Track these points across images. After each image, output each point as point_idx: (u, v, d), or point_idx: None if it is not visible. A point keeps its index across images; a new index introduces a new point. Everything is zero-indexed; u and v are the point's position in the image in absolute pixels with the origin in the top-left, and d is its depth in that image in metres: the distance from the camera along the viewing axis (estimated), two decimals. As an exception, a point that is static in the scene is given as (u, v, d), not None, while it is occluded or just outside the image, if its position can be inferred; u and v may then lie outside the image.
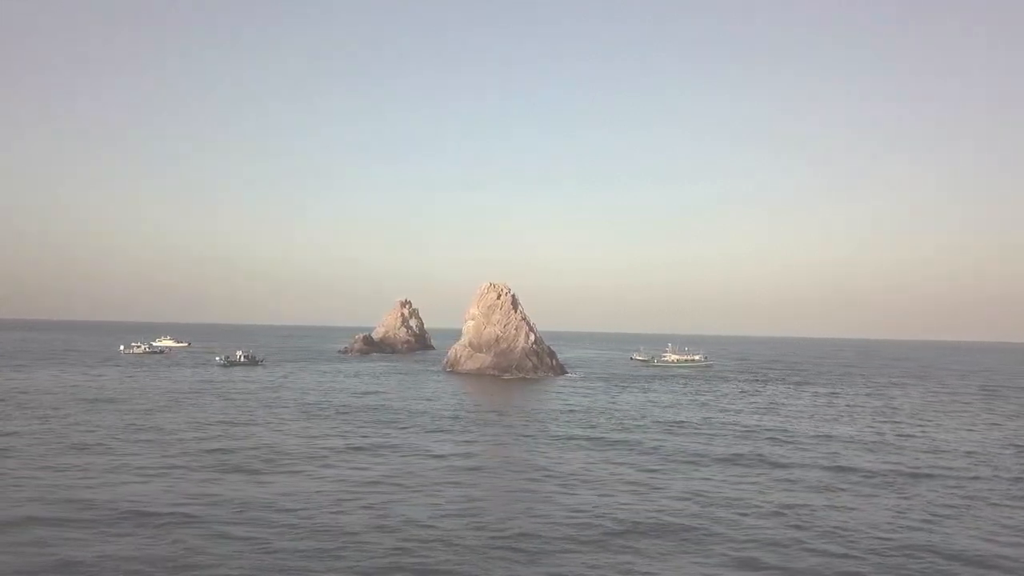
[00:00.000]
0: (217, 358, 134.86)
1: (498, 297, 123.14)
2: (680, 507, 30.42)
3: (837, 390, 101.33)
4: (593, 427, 55.20)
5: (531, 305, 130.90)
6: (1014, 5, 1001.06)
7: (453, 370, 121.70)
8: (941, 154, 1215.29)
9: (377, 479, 34.83)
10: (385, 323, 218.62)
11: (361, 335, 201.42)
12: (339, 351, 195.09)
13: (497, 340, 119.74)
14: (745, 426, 57.64)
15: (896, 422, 63.75)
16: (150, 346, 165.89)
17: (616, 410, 68.05)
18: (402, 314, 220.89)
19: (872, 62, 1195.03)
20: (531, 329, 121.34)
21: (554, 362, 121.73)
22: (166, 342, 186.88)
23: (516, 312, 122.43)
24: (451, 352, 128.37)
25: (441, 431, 51.79)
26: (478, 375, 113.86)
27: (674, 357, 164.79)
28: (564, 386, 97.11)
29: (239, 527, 26.36)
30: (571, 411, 66.35)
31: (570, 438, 49.18)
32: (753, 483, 35.74)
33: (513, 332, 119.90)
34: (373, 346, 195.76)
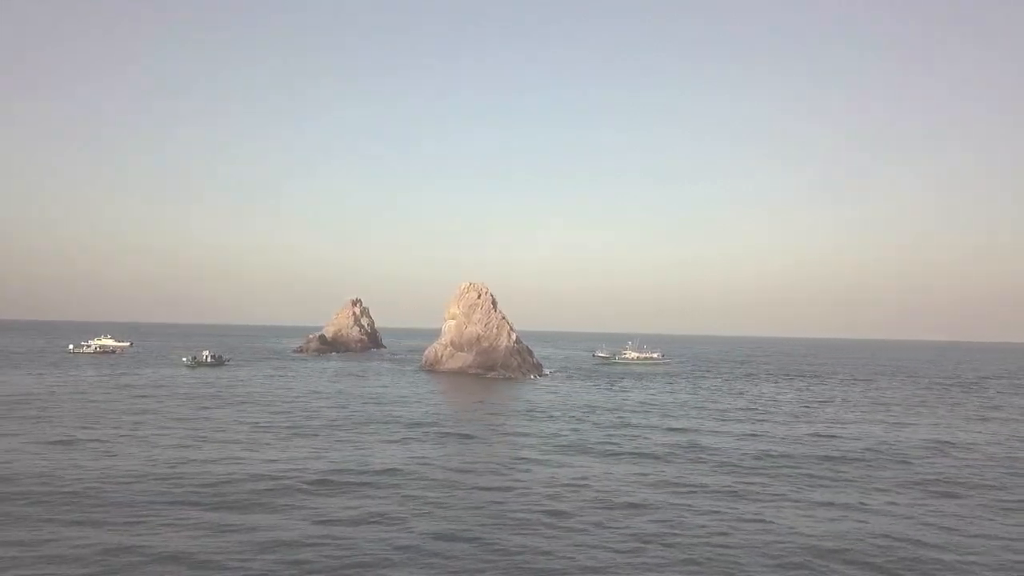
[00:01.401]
0: (184, 358, 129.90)
1: (478, 296, 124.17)
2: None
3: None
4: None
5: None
6: (1010, 10, 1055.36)
7: (433, 369, 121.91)
8: (941, 155, 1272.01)
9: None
10: (336, 322, 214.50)
11: (316, 335, 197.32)
12: (294, 351, 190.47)
13: (479, 339, 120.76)
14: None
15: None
16: (100, 346, 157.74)
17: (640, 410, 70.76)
18: (354, 313, 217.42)
19: (872, 63, 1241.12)
20: (511, 328, 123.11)
21: (534, 361, 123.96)
22: (106, 341, 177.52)
23: (496, 311, 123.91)
24: (430, 351, 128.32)
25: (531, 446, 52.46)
26: (460, 374, 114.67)
27: (634, 355, 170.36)
28: (554, 385, 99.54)
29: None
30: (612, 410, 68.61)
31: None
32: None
33: (495, 331, 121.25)
34: (327, 345, 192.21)
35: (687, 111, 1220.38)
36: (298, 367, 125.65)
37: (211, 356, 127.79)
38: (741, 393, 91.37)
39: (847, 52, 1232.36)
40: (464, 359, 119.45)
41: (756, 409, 72.09)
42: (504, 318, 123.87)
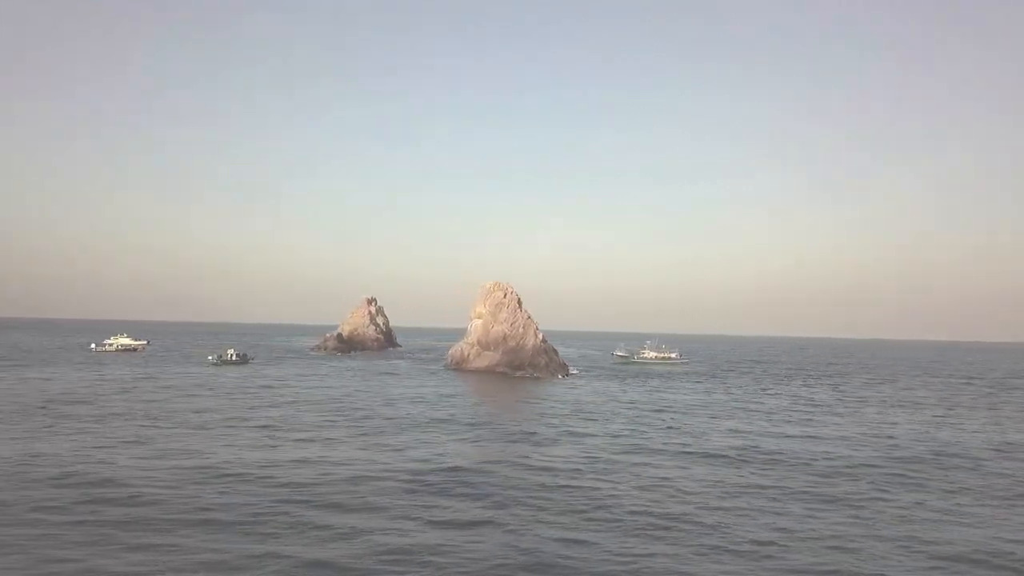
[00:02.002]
0: (209, 357, 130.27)
1: (504, 296, 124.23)
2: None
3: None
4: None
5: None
6: (1010, 10, 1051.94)
7: (460, 368, 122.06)
8: (941, 155, 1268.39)
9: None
10: (351, 321, 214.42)
11: (333, 334, 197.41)
12: (311, 349, 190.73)
13: (505, 338, 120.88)
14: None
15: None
16: (122, 345, 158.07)
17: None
18: (369, 312, 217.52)
19: (872, 63, 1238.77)
20: (537, 327, 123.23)
21: (559, 360, 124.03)
22: (125, 340, 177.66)
23: (522, 310, 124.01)
24: (456, 350, 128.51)
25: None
26: (488, 373, 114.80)
27: (652, 354, 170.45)
28: (585, 385, 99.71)
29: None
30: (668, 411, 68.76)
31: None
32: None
33: (521, 330, 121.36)
34: (344, 344, 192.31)
35: (687, 111, 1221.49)
36: (324, 366, 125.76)
37: (235, 355, 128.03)
38: (777, 393, 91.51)
39: (847, 52, 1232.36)
40: (491, 358, 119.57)
41: (799, 409, 72.23)
42: (530, 317, 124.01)
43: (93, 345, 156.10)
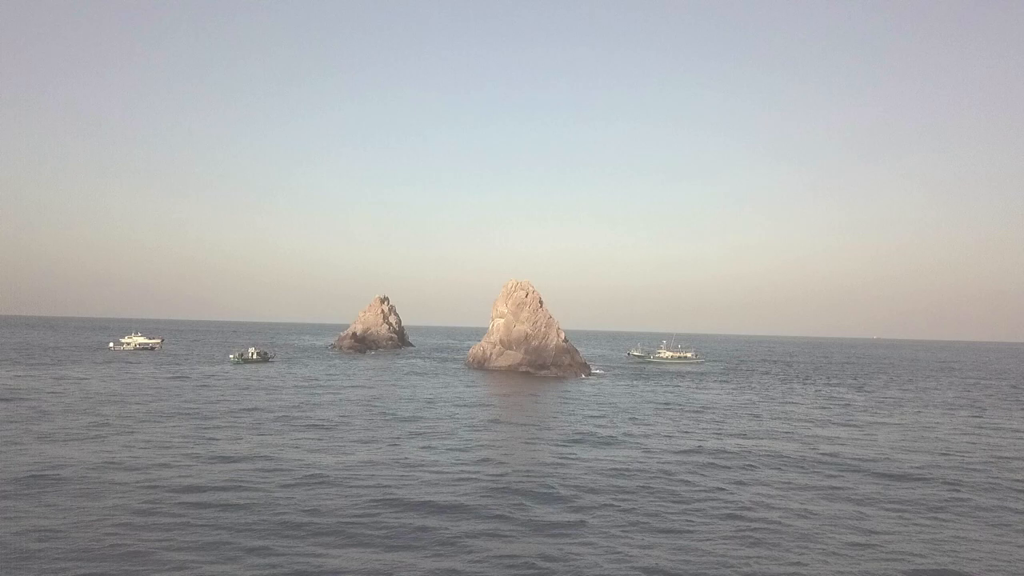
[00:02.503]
0: (230, 355, 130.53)
1: (526, 295, 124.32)
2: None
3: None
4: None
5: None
6: (1011, 10, 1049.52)
7: (482, 367, 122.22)
8: (941, 155, 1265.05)
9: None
10: (364, 320, 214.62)
11: (348, 332, 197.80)
12: (328, 347, 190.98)
13: (527, 337, 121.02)
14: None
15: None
16: (140, 344, 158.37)
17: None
18: (382, 311, 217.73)
19: (872, 63, 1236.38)
20: (559, 326, 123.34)
21: (580, 360, 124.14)
22: (140, 339, 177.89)
23: (543, 309, 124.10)
24: (477, 349, 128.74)
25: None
26: (511, 372, 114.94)
27: (668, 354, 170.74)
28: (612, 384, 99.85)
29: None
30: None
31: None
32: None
33: (543, 330, 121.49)
34: (360, 342, 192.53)
35: (687, 110, 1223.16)
36: (347, 365, 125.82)
37: (256, 353, 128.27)
38: (806, 394, 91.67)
39: (847, 52, 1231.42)
40: (513, 357, 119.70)
41: (835, 409, 72.40)
42: (551, 316, 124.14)
43: (112, 343, 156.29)
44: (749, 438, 51.71)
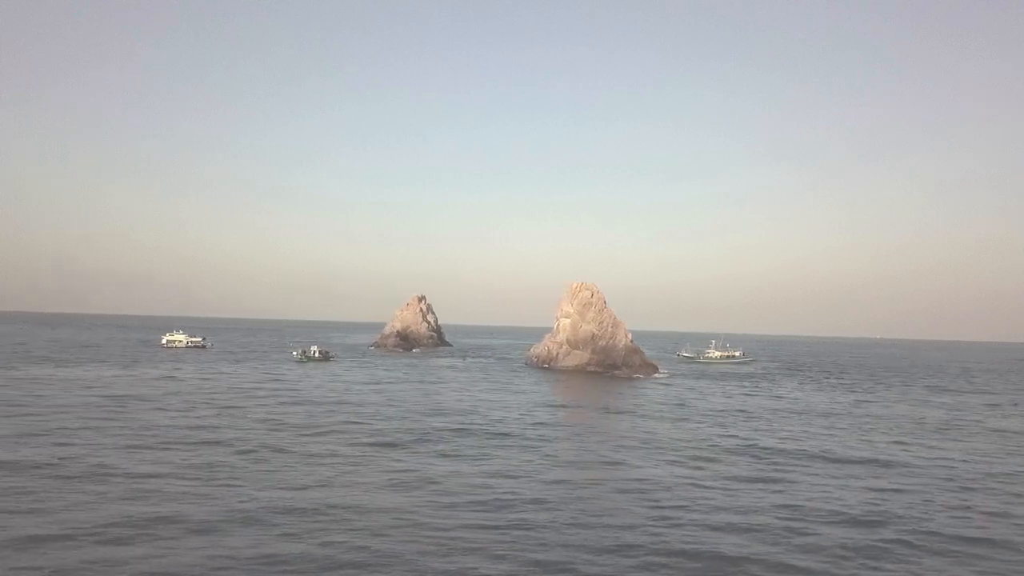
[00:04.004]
0: (294, 353, 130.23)
1: (591, 296, 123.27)
2: None
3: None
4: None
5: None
6: (1011, 10, 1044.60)
7: (549, 367, 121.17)
8: (941, 155, 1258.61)
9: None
10: (403, 318, 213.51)
11: (391, 331, 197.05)
12: (371, 346, 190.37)
13: (593, 337, 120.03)
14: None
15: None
16: (191, 342, 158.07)
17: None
18: (420, 309, 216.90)
19: (872, 63, 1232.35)
20: (626, 327, 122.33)
21: (647, 359, 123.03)
22: (179, 337, 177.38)
23: (608, 310, 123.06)
24: (542, 349, 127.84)
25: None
26: (579, 372, 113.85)
27: (717, 354, 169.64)
28: (688, 385, 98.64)
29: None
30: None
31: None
32: None
33: (610, 330, 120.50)
34: (404, 341, 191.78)
35: (687, 110, 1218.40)
36: (405, 364, 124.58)
37: (318, 352, 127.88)
38: (916, 399, 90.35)
39: (847, 52, 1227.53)
40: (580, 357, 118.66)
41: (965, 414, 71.22)
42: (616, 317, 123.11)
43: (164, 341, 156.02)
44: (869, 448, 50.32)
